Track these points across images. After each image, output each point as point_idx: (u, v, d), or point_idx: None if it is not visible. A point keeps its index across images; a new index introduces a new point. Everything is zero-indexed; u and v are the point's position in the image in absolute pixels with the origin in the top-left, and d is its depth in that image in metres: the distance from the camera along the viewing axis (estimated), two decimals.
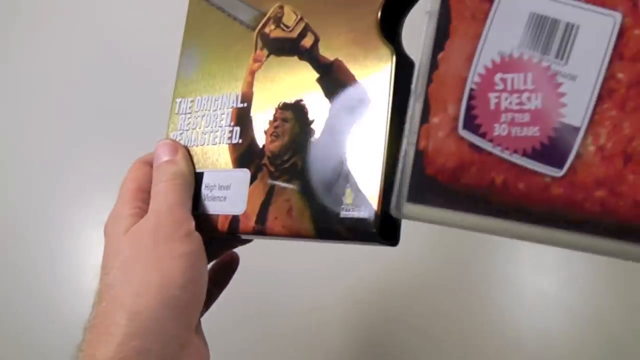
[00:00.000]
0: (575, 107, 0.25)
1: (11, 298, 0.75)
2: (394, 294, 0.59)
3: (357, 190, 0.30)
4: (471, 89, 0.27)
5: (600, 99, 0.25)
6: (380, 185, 0.29)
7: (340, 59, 0.32)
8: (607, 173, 0.24)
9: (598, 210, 0.24)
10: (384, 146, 0.29)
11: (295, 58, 0.34)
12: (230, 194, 0.34)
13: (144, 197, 0.36)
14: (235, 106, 0.35)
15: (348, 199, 0.30)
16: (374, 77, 0.30)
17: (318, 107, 0.32)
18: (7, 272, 0.76)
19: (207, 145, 0.36)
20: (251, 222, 0.33)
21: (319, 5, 0.34)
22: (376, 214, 0.29)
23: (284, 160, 0.33)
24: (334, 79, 0.32)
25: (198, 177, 0.36)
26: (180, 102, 0.37)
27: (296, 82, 0.33)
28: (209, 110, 0.36)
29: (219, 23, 0.36)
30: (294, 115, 0.33)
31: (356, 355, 0.59)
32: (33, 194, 0.78)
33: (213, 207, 0.35)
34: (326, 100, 0.32)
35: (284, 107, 0.33)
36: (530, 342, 0.53)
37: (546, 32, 0.26)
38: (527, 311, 0.54)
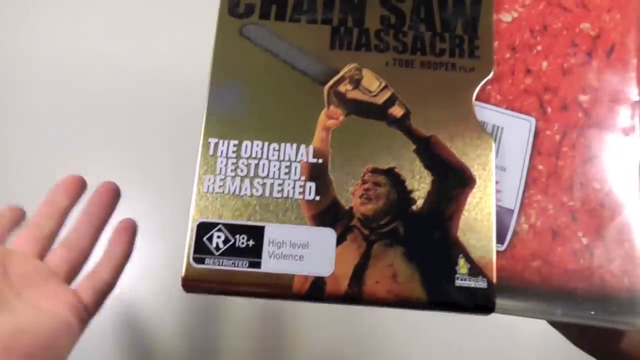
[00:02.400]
0: (508, 193, 0.30)
1: None
2: None
3: (471, 261, 0.31)
4: None
5: (527, 185, 0.30)
6: (494, 258, 0.30)
7: (437, 135, 0.33)
8: (540, 247, 0.29)
9: (537, 279, 0.29)
10: (494, 221, 0.31)
11: (384, 124, 0.34)
12: (310, 252, 0.32)
13: None
14: (305, 160, 0.34)
15: (462, 269, 0.31)
16: (478, 159, 0.32)
17: (418, 178, 0.33)
18: None
19: (268, 196, 0.33)
20: (343, 286, 0.32)
21: (406, 78, 0.34)
22: (493, 284, 0.30)
23: (380, 224, 0.33)
24: (433, 154, 0.33)
25: (253, 230, 0.33)
26: (217, 143, 0.34)
27: (387, 147, 0.33)
28: (267, 159, 0.34)
29: (271, 67, 0.35)
30: (388, 180, 0.33)
31: None
32: (33, 193, 0.72)
33: (283, 265, 0.32)
34: (427, 172, 0.33)
35: (375, 171, 0.33)
36: (530, 341, 0.55)
37: None
38: None
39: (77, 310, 0.35)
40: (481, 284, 0.31)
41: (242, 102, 0.35)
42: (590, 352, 0.33)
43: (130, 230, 0.42)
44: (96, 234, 0.40)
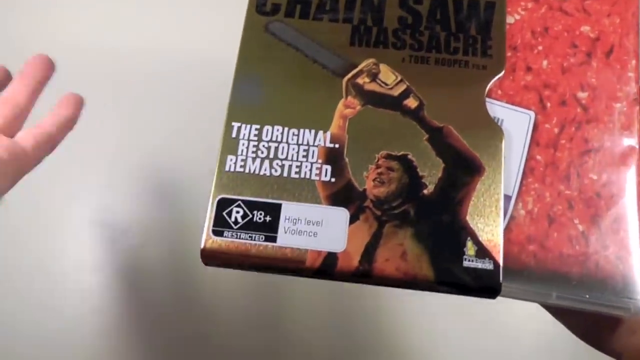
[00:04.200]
0: (507, 180, 0.32)
1: (9, 295, 0.70)
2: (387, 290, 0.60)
3: (479, 244, 0.32)
4: None
5: (525, 174, 0.32)
6: (502, 242, 0.31)
7: (449, 126, 0.35)
8: (536, 232, 0.30)
9: (532, 262, 0.30)
10: (501, 208, 0.32)
11: (398, 114, 0.36)
12: (323, 230, 0.34)
13: None
14: (323, 145, 0.36)
15: (470, 250, 0.33)
16: (488, 149, 0.33)
17: (430, 164, 0.35)
18: (6, 271, 0.72)
19: (286, 176, 0.35)
20: (354, 262, 0.33)
21: (421, 74, 0.36)
22: (499, 267, 0.31)
23: (392, 206, 0.34)
24: (445, 143, 0.35)
25: (274, 207, 0.35)
26: (240, 127, 0.37)
27: (400, 136, 0.35)
28: (286, 143, 0.36)
29: (293, 60, 0.38)
30: (401, 166, 0.35)
31: None
32: (30, 192, 0.75)
33: (298, 240, 0.34)
34: (439, 159, 0.35)
35: (389, 157, 0.35)
36: (530, 341, 0.54)
37: None
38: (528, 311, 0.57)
39: (10, 149, 0.39)
40: (488, 265, 0.32)
41: (264, 91, 0.37)
42: (585, 339, 0.33)
43: (75, 99, 0.45)
44: (32, 94, 0.43)
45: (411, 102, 0.36)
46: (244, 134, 0.36)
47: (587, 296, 0.29)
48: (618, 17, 0.34)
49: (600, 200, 0.31)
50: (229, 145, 0.36)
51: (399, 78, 0.37)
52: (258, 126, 0.36)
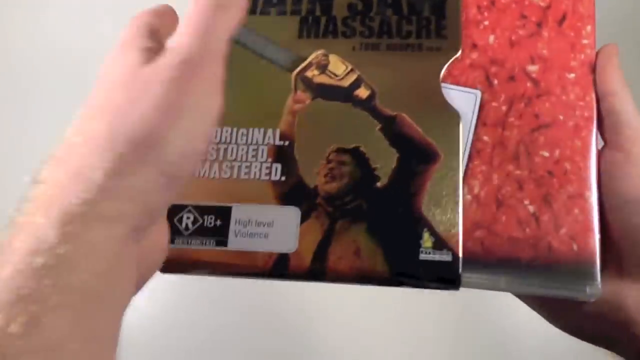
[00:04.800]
0: None
1: None
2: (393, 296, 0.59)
3: (436, 235, 0.31)
4: None
5: (471, 157, 0.30)
6: (460, 232, 0.30)
7: (402, 114, 0.34)
8: (483, 217, 0.29)
9: (479, 249, 0.28)
10: (460, 196, 0.31)
11: (349, 105, 0.35)
12: (274, 231, 0.33)
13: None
14: (272, 143, 0.35)
15: (427, 242, 0.32)
16: (444, 135, 0.32)
17: (383, 155, 0.33)
18: None
19: (236, 178, 0.35)
20: (305, 262, 0.33)
21: (372, 61, 0.35)
22: (457, 258, 0.30)
23: (345, 201, 0.33)
24: (399, 132, 0.34)
25: (224, 211, 0.34)
26: None
27: (351, 128, 0.34)
28: (236, 144, 0.35)
29: (244, 59, 0.36)
30: (352, 159, 0.34)
31: None
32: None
33: (248, 243, 0.33)
34: (392, 150, 0.33)
35: (340, 151, 0.34)
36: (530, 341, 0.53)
37: None
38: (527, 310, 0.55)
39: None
40: (446, 257, 0.31)
41: None
42: (557, 324, 0.31)
43: None
44: None
45: (362, 92, 0.35)
46: None
47: (539, 281, 0.28)
48: None
49: (553, 178, 0.29)
50: None
51: (349, 68, 0.35)
52: None
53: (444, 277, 0.30)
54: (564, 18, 0.32)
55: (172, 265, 0.32)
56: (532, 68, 0.31)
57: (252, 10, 0.37)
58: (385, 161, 0.33)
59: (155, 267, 0.27)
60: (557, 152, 0.29)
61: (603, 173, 0.29)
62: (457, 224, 0.31)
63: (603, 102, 0.30)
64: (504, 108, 0.31)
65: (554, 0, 0.32)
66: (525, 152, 0.30)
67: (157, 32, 0.26)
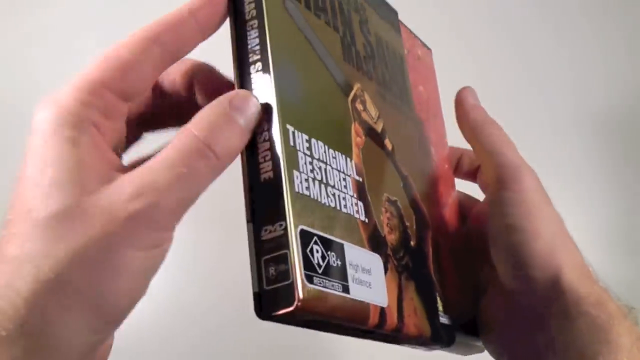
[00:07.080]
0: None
1: None
2: None
3: (445, 299, 0.32)
4: None
5: None
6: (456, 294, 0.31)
7: (409, 177, 0.33)
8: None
9: None
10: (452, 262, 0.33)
11: (384, 154, 0.31)
12: (373, 280, 0.27)
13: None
14: (352, 176, 0.28)
15: (440, 305, 0.32)
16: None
17: (407, 214, 0.31)
18: None
19: (339, 210, 0.26)
20: (394, 319, 0.27)
21: (386, 114, 0.33)
22: (457, 324, 0.32)
23: (400, 256, 0.30)
24: (411, 195, 0.33)
25: (338, 247, 0.26)
26: (294, 133, 0.25)
27: (390, 179, 0.31)
28: (330, 166, 0.27)
29: (314, 60, 0.28)
30: (396, 213, 0.31)
31: None
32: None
33: (361, 292, 0.26)
34: (411, 210, 0.32)
35: (389, 201, 0.30)
36: None
37: None
38: None
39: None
40: (447, 320, 0.32)
41: (299, 87, 0.27)
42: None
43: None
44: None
45: (388, 144, 0.31)
46: (299, 144, 0.25)
47: None
48: None
49: None
50: (291, 156, 0.25)
51: (378, 113, 0.31)
52: (307, 137, 0.26)
53: (448, 339, 0.32)
54: None
55: (313, 312, 0.24)
56: None
57: (307, 4, 0.29)
58: (409, 221, 0.31)
59: None
60: None
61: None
62: (454, 287, 0.33)
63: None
64: None
65: None
66: None
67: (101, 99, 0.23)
